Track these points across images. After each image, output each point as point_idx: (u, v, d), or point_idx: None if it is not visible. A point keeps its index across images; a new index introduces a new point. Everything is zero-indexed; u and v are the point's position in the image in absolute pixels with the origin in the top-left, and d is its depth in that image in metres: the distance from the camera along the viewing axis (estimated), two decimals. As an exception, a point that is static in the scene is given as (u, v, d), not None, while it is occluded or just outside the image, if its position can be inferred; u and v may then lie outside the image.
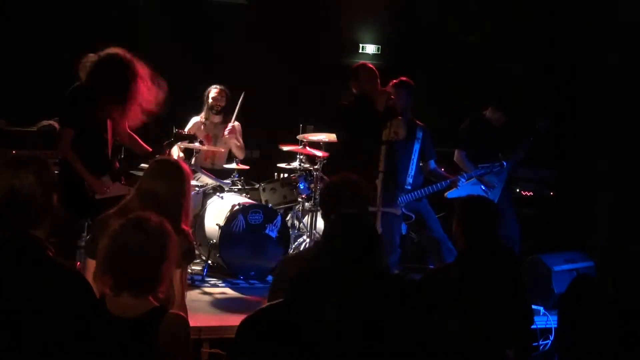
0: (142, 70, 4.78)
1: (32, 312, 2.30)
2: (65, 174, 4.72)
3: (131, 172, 5.37)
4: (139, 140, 5.13)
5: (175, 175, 3.48)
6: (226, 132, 6.74)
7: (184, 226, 3.48)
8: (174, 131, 6.09)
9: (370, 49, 8.61)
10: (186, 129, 6.77)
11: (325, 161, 6.59)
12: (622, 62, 6.53)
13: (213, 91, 6.88)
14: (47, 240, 2.49)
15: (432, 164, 5.85)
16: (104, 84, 4.70)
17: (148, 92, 4.79)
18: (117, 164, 5.13)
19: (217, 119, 6.90)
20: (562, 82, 7.21)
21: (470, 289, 2.54)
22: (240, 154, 6.88)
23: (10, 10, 7.25)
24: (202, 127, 6.86)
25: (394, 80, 5.73)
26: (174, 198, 3.42)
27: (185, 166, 3.63)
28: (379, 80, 5.23)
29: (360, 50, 8.60)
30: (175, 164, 3.59)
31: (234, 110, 6.74)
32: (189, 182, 3.58)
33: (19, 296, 2.31)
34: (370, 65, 5.31)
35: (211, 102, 6.85)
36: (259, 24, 8.13)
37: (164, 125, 6.07)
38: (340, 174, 3.59)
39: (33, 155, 2.59)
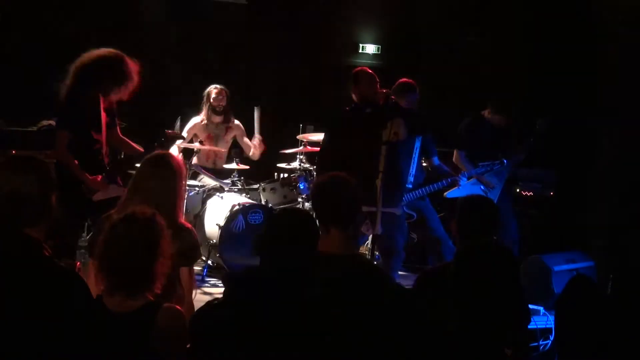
0: (132, 65, 4.84)
1: (27, 311, 2.31)
2: (62, 175, 4.72)
3: (129, 171, 5.37)
4: (129, 142, 5.14)
5: (165, 172, 3.43)
6: (228, 138, 6.88)
7: (186, 223, 3.45)
8: (165, 132, 6.09)
9: (370, 49, 8.60)
10: (186, 129, 6.77)
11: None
12: (623, 61, 6.53)
13: (213, 91, 6.84)
14: (44, 241, 2.49)
15: (435, 160, 5.86)
16: (102, 80, 4.73)
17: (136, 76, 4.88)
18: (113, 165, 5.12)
19: (218, 119, 6.89)
20: (562, 81, 7.20)
21: (466, 288, 2.54)
22: (256, 154, 6.87)
23: (10, 10, 7.26)
24: (204, 127, 6.86)
25: (398, 82, 5.72)
26: (165, 194, 3.37)
27: (177, 160, 3.55)
28: (378, 84, 5.21)
29: (360, 50, 8.60)
30: (162, 160, 3.50)
31: (252, 126, 6.82)
32: (181, 177, 3.49)
33: (13, 295, 2.32)
34: (369, 70, 5.29)
35: (212, 103, 6.83)
36: (259, 24, 8.13)
37: (159, 126, 6.06)
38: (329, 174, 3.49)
39: (32, 156, 2.60)
